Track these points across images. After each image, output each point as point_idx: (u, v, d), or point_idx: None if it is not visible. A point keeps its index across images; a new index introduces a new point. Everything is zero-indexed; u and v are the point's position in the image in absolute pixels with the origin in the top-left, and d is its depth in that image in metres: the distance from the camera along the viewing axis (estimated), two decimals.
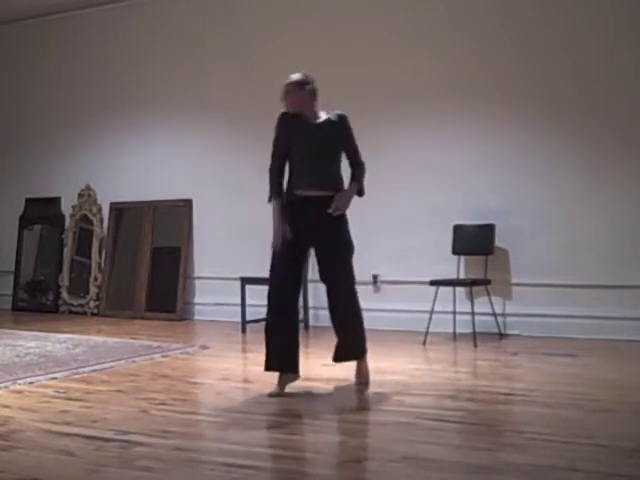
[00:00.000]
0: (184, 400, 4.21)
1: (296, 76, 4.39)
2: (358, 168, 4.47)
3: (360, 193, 4.48)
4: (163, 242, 8.28)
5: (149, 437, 3.39)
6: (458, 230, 6.60)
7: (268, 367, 4.32)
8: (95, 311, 8.43)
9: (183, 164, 8.11)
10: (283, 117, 4.39)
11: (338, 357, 4.48)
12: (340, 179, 4.44)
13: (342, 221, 4.39)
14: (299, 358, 4.36)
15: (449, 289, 6.46)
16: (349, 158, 4.48)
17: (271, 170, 4.41)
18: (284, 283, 4.34)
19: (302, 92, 4.34)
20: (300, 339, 4.41)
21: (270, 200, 4.40)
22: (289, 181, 4.41)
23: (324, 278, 4.43)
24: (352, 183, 4.44)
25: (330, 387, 4.49)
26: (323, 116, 4.42)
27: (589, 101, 6.28)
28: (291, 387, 4.38)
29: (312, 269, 6.51)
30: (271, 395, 4.23)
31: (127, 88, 8.41)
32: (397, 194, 6.85)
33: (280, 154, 4.40)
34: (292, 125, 4.36)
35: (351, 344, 4.47)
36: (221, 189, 7.86)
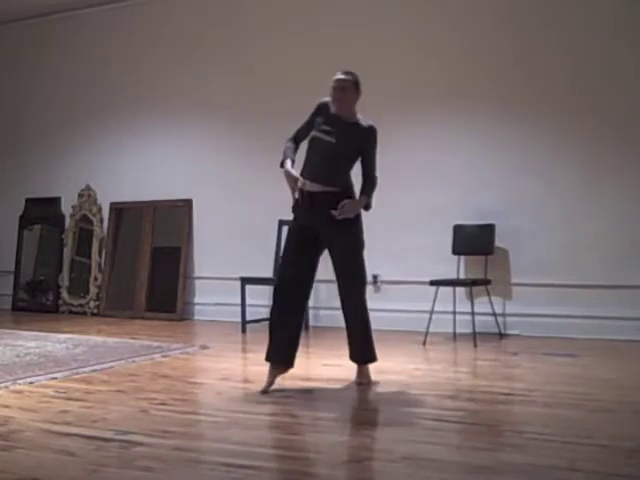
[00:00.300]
0: (184, 400, 4.21)
1: (350, 75, 4.38)
2: (369, 181, 4.44)
3: (367, 207, 4.46)
4: (163, 242, 8.28)
5: (149, 437, 3.39)
6: (458, 230, 6.60)
7: (267, 358, 4.42)
8: (95, 311, 8.43)
9: (183, 164, 8.11)
10: (322, 107, 4.42)
11: (356, 359, 4.52)
12: (348, 180, 4.42)
13: (352, 218, 4.37)
14: (295, 354, 4.41)
15: (449, 289, 6.46)
16: (364, 169, 4.45)
17: (287, 141, 4.49)
18: (289, 281, 4.37)
19: (357, 93, 4.40)
20: (301, 336, 4.47)
21: (282, 165, 4.44)
22: (301, 170, 4.43)
23: (336, 274, 4.46)
24: (361, 196, 4.43)
25: (330, 387, 4.49)
26: (356, 119, 4.42)
27: (589, 101, 6.28)
28: (291, 387, 4.39)
29: None
30: (263, 392, 4.26)
31: (127, 88, 8.41)
32: (397, 194, 6.84)
33: (300, 134, 4.49)
34: (324, 116, 4.39)
35: (362, 347, 4.50)
36: (221, 189, 7.86)
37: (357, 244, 4.43)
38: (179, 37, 8.11)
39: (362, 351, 4.52)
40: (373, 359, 4.54)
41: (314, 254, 4.44)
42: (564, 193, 6.36)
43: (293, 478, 2.93)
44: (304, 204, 4.36)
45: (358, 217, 4.42)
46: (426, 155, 6.84)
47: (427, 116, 6.86)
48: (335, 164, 4.36)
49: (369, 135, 4.41)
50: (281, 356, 4.39)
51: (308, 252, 4.41)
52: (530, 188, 6.46)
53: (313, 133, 4.42)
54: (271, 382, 4.34)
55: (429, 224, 6.78)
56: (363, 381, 4.49)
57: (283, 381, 4.47)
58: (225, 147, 7.89)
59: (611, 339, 5.99)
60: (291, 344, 4.40)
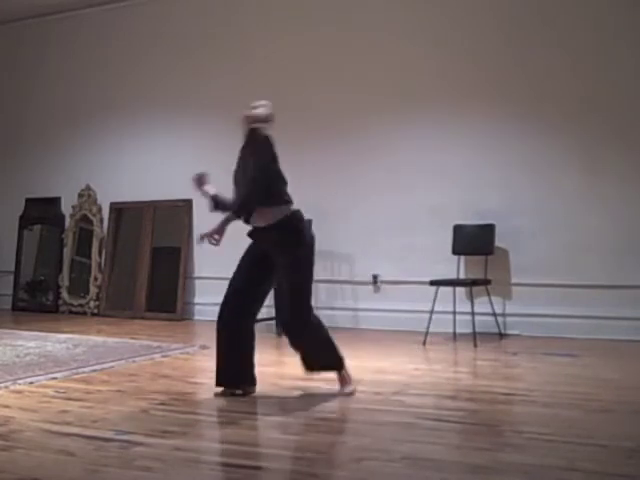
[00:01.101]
0: (184, 400, 4.21)
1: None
2: (242, 190, 4.24)
3: (232, 216, 4.30)
4: (163, 242, 8.28)
5: (149, 437, 3.39)
6: (458, 230, 6.60)
7: (217, 383, 4.22)
8: (95, 311, 8.43)
9: (183, 164, 8.08)
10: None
11: (309, 367, 4.28)
12: (273, 198, 4.25)
13: (293, 259, 4.18)
14: (254, 371, 4.23)
15: (449, 289, 6.46)
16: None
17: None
18: (233, 296, 4.22)
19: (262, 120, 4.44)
20: (240, 354, 4.21)
21: None
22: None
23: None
24: (225, 217, 4.22)
25: (330, 387, 4.48)
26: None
27: (589, 101, 6.28)
28: (291, 387, 4.39)
29: None
30: (216, 395, 4.20)
31: (127, 88, 8.41)
32: (397, 194, 6.85)
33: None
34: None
35: (318, 356, 4.28)
36: (221, 189, 7.83)
37: (297, 287, 4.21)
38: (179, 37, 8.12)
39: (326, 358, 4.27)
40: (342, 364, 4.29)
41: (267, 269, 4.29)
42: (564, 193, 6.37)
43: (293, 478, 2.93)
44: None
45: (297, 258, 4.18)
46: (426, 155, 6.84)
47: (427, 116, 6.86)
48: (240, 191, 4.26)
49: (250, 139, 4.34)
50: (228, 377, 4.20)
51: (260, 267, 4.29)
52: (530, 188, 6.46)
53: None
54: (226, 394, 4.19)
55: (429, 224, 6.78)
56: (346, 391, 4.23)
57: (283, 381, 4.47)
58: (225, 147, 7.85)
59: (611, 339, 5.99)
60: (234, 361, 4.18)
